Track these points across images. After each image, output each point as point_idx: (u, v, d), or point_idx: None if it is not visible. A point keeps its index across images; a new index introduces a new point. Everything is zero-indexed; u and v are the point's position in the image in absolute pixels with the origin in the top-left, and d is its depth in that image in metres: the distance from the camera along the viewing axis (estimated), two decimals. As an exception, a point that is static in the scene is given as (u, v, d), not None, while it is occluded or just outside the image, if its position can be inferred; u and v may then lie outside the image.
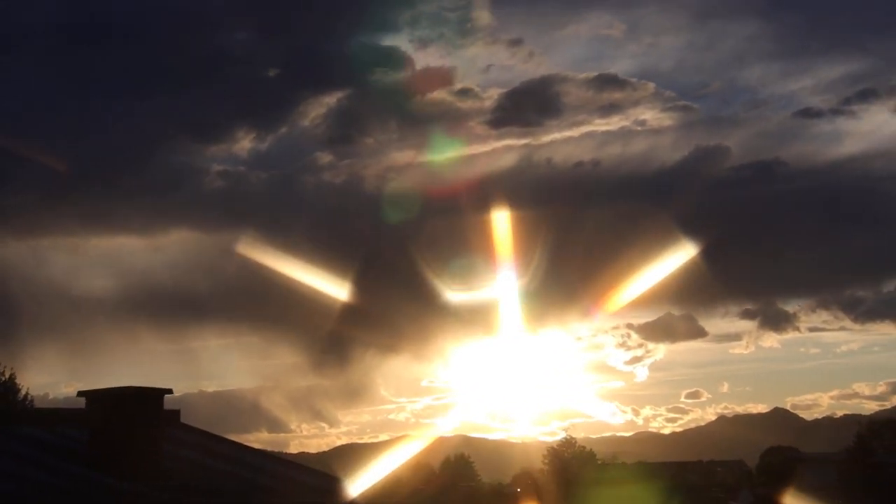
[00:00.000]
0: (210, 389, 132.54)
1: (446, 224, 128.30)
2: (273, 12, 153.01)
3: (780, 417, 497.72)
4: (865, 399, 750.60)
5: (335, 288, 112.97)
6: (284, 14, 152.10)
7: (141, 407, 29.45)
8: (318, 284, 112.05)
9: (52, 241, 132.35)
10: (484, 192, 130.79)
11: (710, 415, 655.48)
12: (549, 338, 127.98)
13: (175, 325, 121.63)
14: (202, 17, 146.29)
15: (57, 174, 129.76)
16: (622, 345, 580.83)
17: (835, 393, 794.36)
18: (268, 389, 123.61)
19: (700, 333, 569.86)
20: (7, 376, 76.79)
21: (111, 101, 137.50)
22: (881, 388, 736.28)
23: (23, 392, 77.39)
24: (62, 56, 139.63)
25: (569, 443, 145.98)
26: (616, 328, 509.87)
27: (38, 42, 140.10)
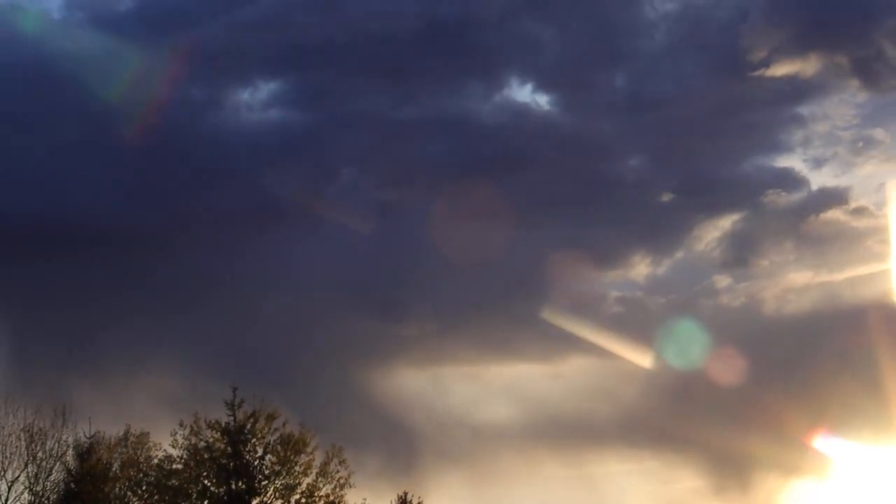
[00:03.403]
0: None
1: (848, 345, 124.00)
2: (665, 137, 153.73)
3: None
4: None
5: (737, 408, 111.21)
6: (676, 139, 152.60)
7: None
8: (719, 405, 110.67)
9: (452, 370, 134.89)
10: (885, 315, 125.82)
11: None
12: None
13: (575, 451, 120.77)
14: (595, 145, 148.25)
15: (455, 305, 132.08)
16: None
17: None
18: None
19: None
20: (415, 504, 78.50)
21: (508, 231, 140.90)
22: None
23: (430, 519, 79.01)
24: (456, 189, 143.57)
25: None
26: None
27: (432, 176, 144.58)
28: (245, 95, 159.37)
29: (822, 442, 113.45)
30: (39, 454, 76.21)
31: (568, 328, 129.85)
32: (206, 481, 71.98)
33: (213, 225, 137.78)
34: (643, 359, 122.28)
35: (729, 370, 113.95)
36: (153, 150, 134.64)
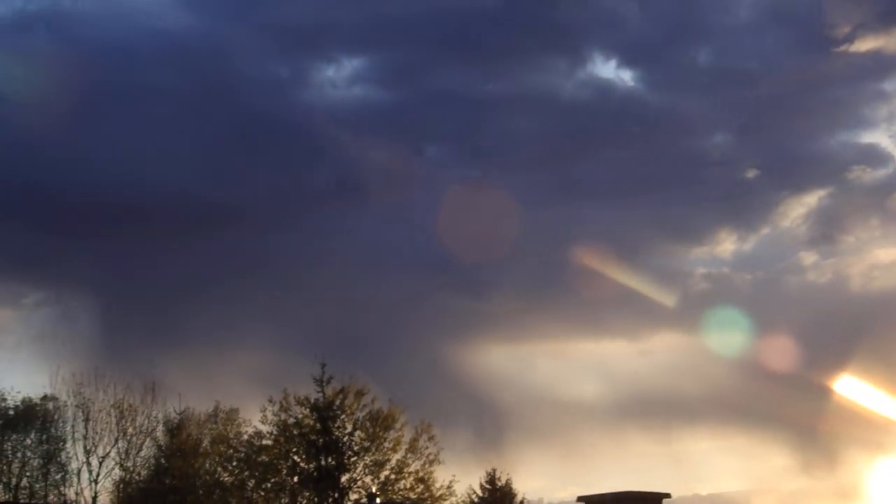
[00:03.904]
0: (703, 493, 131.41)
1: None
2: (749, 114, 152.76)
3: None
4: None
5: (824, 387, 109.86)
6: (761, 115, 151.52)
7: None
8: (805, 384, 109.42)
9: (539, 347, 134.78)
10: None
11: None
12: None
13: (663, 428, 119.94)
14: (679, 121, 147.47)
15: (542, 282, 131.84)
16: None
17: None
18: (760, 492, 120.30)
19: None
20: (504, 481, 78.06)
21: (593, 207, 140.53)
22: None
23: (519, 497, 78.53)
24: (545, 165, 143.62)
25: None
26: None
27: (516, 152, 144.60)
28: (330, 72, 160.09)
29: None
30: (130, 430, 76.95)
31: (653, 304, 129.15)
32: (295, 457, 72.03)
33: (300, 203, 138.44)
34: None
35: (816, 347, 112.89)
36: (240, 127, 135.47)
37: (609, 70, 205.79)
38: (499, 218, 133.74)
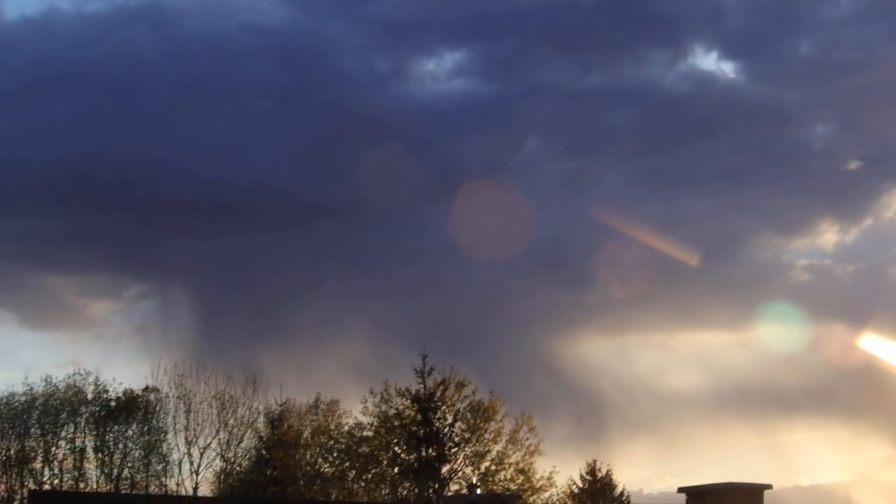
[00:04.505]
0: (804, 484, 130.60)
1: None
2: (852, 105, 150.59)
3: None
4: None
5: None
6: (864, 106, 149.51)
7: (743, 502, 28.59)
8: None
9: (640, 338, 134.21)
10: None
11: None
12: None
13: (763, 420, 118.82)
14: (781, 113, 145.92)
15: (642, 273, 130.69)
16: None
17: None
18: (860, 483, 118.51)
19: None
20: (604, 472, 77.51)
21: (693, 199, 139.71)
22: None
23: (619, 488, 77.91)
24: (645, 157, 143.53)
25: None
26: None
27: (617, 144, 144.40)
28: (430, 65, 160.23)
29: None
30: (231, 421, 77.37)
31: (755, 296, 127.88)
32: (396, 448, 72.07)
33: (400, 196, 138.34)
34: (825, 327, 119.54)
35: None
36: (340, 121, 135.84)
37: (710, 62, 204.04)
38: (599, 209, 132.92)
